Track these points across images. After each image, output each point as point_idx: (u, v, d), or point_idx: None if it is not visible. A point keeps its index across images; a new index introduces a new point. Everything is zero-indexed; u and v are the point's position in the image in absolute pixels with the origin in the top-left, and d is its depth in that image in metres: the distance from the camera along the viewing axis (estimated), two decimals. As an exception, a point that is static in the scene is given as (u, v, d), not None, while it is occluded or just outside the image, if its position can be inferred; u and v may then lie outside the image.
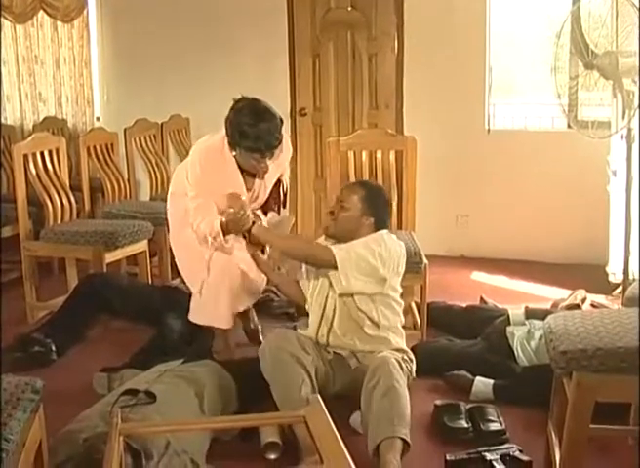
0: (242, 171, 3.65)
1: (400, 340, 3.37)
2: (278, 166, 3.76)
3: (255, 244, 3.63)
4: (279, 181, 3.84)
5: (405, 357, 3.29)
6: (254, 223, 3.50)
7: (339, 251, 3.24)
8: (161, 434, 2.67)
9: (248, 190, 3.70)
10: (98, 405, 3.01)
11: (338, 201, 3.42)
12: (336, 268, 3.22)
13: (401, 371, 3.09)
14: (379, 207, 3.41)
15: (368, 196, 3.37)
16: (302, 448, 2.92)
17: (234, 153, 3.59)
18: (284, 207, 3.87)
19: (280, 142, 3.56)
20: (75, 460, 2.56)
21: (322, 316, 3.33)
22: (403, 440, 2.85)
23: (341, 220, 3.36)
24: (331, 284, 3.29)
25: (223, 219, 3.52)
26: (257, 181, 3.72)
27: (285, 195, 3.90)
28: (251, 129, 3.46)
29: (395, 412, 2.90)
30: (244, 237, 3.58)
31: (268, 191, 3.81)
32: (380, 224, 3.41)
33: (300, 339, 3.22)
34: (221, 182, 3.59)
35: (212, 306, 3.65)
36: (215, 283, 3.62)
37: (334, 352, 3.31)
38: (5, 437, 2.07)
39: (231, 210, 3.51)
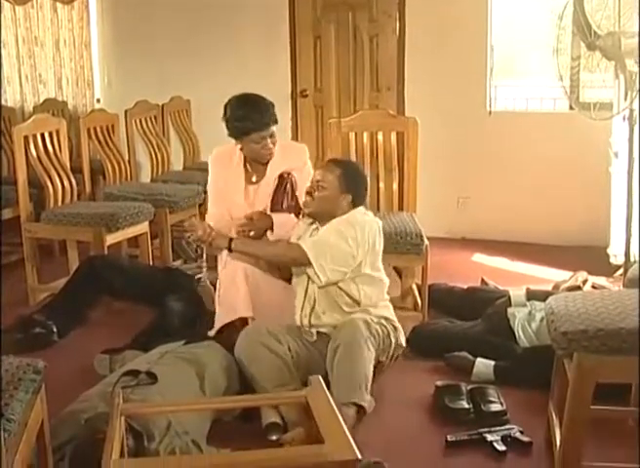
0: (250, 174, 3.77)
1: (383, 310, 3.37)
2: (284, 163, 3.75)
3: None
4: (287, 177, 3.78)
5: (382, 321, 3.29)
6: (232, 240, 3.41)
7: (310, 248, 3.22)
8: (162, 414, 2.68)
9: (255, 183, 3.75)
10: (99, 385, 3.03)
11: (314, 181, 3.39)
12: (310, 264, 3.21)
13: (366, 332, 3.12)
14: (356, 183, 3.39)
15: (344, 174, 3.35)
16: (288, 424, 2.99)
17: (240, 146, 3.70)
18: (296, 214, 3.68)
19: (276, 121, 3.63)
20: (77, 440, 2.56)
21: (305, 296, 3.34)
22: (357, 405, 2.92)
23: (319, 200, 3.32)
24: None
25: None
26: (263, 179, 3.75)
27: (294, 194, 3.79)
28: (242, 110, 3.62)
29: (351, 376, 2.97)
30: (229, 250, 3.52)
31: (272, 186, 3.77)
32: (359, 200, 3.40)
33: (271, 330, 3.23)
34: (227, 178, 3.74)
35: (230, 299, 3.60)
36: (228, 279, 3.61)
37: (317, 332, 3.32)
38: (7, 417, 2.08)
39: (199, 233, 3.42)
